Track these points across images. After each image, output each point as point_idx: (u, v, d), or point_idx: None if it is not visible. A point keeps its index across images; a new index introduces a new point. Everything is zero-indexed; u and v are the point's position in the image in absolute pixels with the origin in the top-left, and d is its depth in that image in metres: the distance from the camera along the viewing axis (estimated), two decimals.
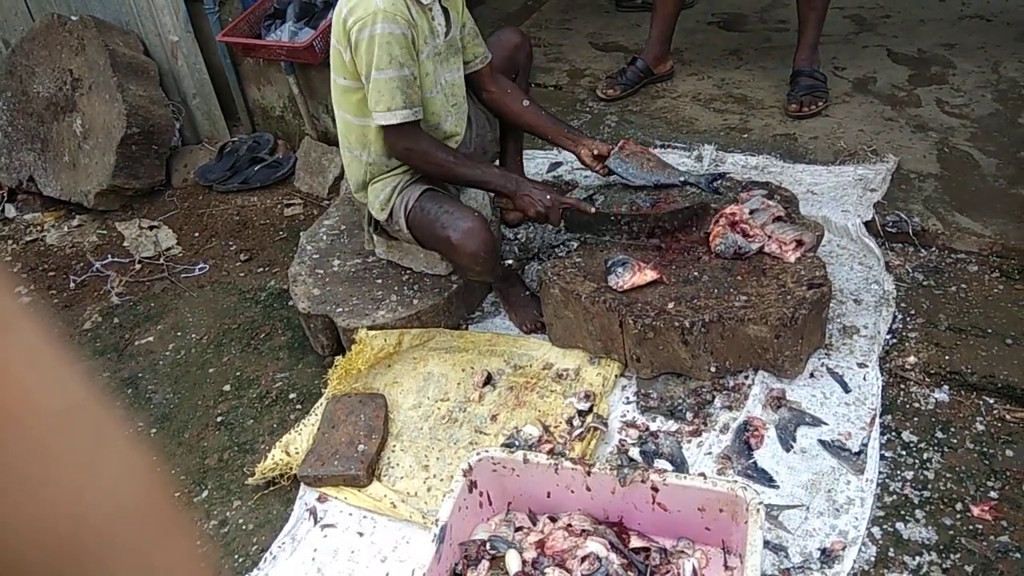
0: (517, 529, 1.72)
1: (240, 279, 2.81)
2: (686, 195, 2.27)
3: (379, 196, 2.18)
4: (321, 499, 1.93)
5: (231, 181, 3.26)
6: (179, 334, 2.60)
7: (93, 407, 0.34)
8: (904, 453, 1.86)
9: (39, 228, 3.30)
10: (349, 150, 2.18)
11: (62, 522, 0.31)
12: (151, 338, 2.60)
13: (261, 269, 2.85)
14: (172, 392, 2.37)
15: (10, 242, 3.24)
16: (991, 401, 1.95)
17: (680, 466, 1.87)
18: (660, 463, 1.88)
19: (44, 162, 3.35)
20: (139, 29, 3.35)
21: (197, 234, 3.10)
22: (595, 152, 2.31)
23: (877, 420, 1.91)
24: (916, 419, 1.93)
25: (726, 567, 1.63)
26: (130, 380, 2.44)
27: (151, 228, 3.15)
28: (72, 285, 2.92)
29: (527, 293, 2.32)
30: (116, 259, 3.01)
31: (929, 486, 1.78)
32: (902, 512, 1.73)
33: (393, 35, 1.89)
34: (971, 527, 1.69)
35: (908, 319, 2.17)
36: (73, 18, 3.25)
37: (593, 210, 2.15)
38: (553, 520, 1.72)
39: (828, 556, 1.66)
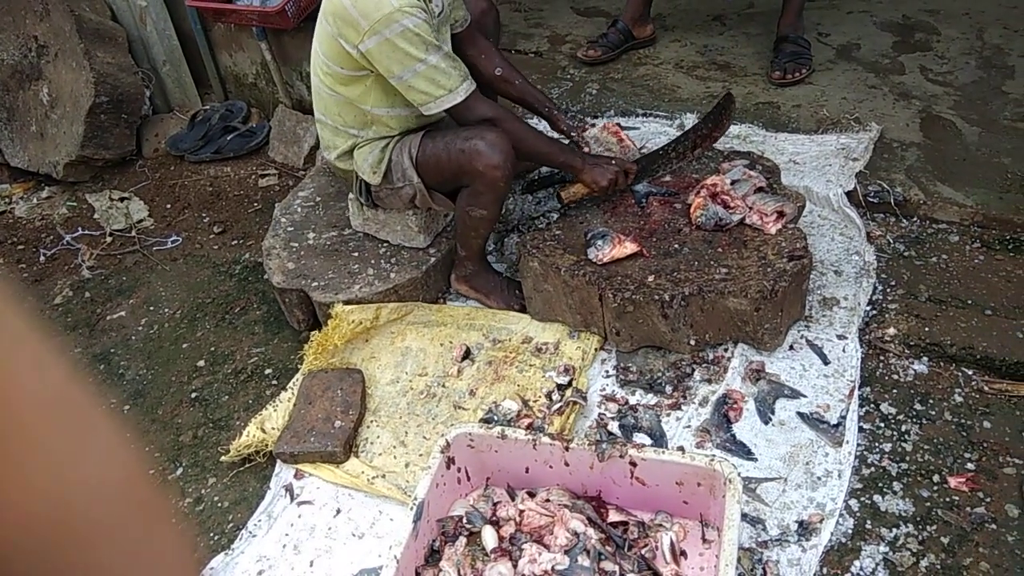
0: (495, 504, 1.71)
1: (214, 252, 2.75)
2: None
3: (367, 160, 2.13)
4: (297, 476, 1.91)
5: (203, 151, 3.18)
6: (152, 308, 2.55)
7: (71, 388, 0.34)
8: (882, 425, 1.86)
9: (7, 200, 3.21)
10: (343, 129, 2.13)
11: (45, 505, 0.31)
12: (123, 313, 2.55)
13: (235, 241, 2.79)
14: (145, 368, 2.33)
15: None
16: (970, 372, 1.95)
17: (659, 439, 1.86)
18: (639, 437, 1.87)
19: (11, 132, 3.25)
20: None
21: (169, 206, 3.03)
22: (565, 131, 2.33)
23: (856, 392, 1.91)
24: (895, 391, 1.93)
25: (704, 540, 1.63)
26: (102, 356, 2.39)
27: (122, 200, 3.08)
28: (42, 259, 2.85)
29: (501, 277, 2.29)
30: (87, 231, 2.94)
31: (907, 458, 1.78)
32: (880, 484, 1.74)
33: (417, 26, 1.87)
34: (948, 498, 1.70)
35: (888, 290, 2.16)
36: None
37: (638, 154, 2.36)
38: (532, 495, 1.71)
39: (806, 528, 1.66)
